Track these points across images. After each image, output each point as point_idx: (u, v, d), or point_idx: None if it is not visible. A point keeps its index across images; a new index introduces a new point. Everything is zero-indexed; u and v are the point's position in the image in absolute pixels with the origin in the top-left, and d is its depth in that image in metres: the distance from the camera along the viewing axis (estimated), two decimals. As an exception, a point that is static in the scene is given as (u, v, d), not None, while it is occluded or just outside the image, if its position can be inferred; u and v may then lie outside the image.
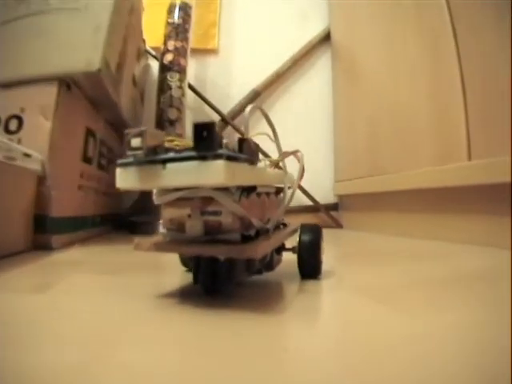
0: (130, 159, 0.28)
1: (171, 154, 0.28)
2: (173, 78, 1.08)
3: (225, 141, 0.28)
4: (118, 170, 0.30)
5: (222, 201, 0.30)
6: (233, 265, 0.32)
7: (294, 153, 0.40)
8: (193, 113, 1.33)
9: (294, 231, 0.42)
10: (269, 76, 1.37)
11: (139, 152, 0.27)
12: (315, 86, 1.46)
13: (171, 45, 1.12)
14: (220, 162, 0.26)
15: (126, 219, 1.02)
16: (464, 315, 0.28)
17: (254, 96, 1.35)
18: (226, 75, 1.41)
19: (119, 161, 0.30)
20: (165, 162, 0.27)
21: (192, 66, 1.31)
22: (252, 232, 0.32)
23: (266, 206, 0.37)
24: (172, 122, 1.06)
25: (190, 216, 0.31)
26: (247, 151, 0.30)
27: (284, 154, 0.39)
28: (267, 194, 0.38)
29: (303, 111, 1.44)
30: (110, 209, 1.03)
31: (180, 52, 1.12)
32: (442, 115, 0.81)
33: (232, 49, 1.43)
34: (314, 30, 1.47)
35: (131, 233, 0.97)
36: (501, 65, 0.64)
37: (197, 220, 0.31)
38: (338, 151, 1.38)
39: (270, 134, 0.39)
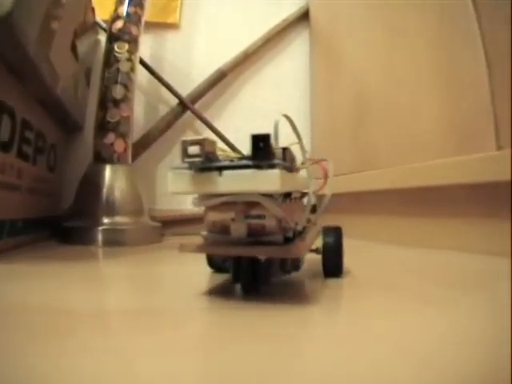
0: (185, 165, 0.31)
1: (227, 162, 0.31)
2: (121, 49, 0.90)
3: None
4: (170, 175, 0.32)
5: (267, 205, 0.32)
6: (271, 265, 0.36)
7: (321, 161, 0.45)
8: (146, 95, 1.17)
9: (319, 233, 0.45)
10: (237, 55, 1.22)
11: (197, 159, 0.30)
12: (290, 68, 1.33)
13: (122, 10, 0.94)
14: (276, 171, 0.29)
15: (60, 225, 0.82)
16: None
17: (220, 77, 1.20)
18: (187, 53, 1.25)
19: (173, 167, 0.32)
20: (221, 169, 0.31)
21: (148, 42, 1.17)
22: (290, 234, 0.35)
23: (295, 210, 0.39)
24: (117, 103, 0.87)
25: (233, 219, 0.34)
26: (288, 159, 0.34)
27: (312, 161, 0.42)
28: (295, 198, 0.41)
29: (275, 97, 1.29)
30: (41, 211, 0.83)
31: (132, 19, 0.93)
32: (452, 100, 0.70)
33: (196, 24, 1.27)
34: (291, 7, 1.33)
35: (63, 242, 0.79)
36: None
37: (241, 223, 0.34)
38: (316, 145, 1.24)
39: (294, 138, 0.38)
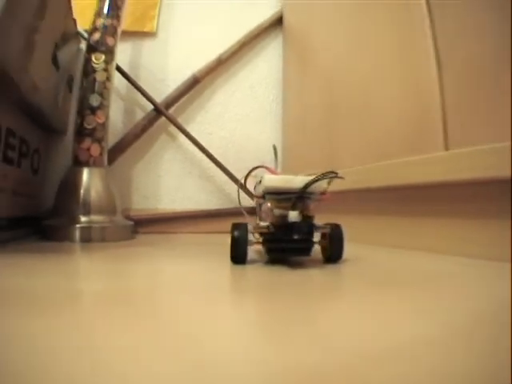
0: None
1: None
2: (98, 60, 0.96)
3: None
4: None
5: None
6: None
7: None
8: (123, 101, 1.22)
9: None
10: (211, 61, 1.27)
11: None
12: (263, 72, 1.38)
13: (100, 22, 1.00)
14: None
15: (40, 223, 0.89)
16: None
17: (193, 83, 1.25)
18: (163, 60, 1.30)
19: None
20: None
21: (126, 51, 1.23)
22: None
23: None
24: (93, 110, 0.93)
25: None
26: None
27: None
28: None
29: (249, 101, 1.35)
30: (23, 211, 0.89)
31: (108, 31, 1.00)
32: (413, 99, 0.75)
33: (172, 31, 1.32)
34: (265, 13, 1.37)
35: (44, 239, 0.85)
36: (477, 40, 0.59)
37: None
38: (288, 147, 1.29)
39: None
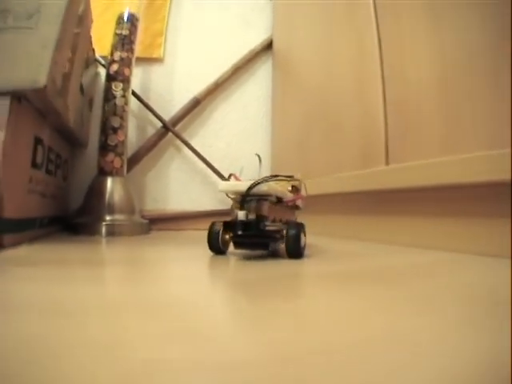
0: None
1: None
2: (117, 88, 1.15)
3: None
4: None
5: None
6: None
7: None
8: (137, 119, 1.40)
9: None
10: (209, 84, 1.44)
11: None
12: (255, 92, 1.55)
13: (117, 55, 1.18)
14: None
15: (71, 221, 1.08)
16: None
17: (195, 104, 1.42)
18: (169, 83, 1.47)
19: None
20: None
21: (138, 74, 1.38)
22: None
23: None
24: (115, 130, 1.12)
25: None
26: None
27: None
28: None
29: (242, 117, 1.53)
30: (57, 211, 1.08)
31: (125, 62, 1.18)
32: (365, 117, 0.88)
33: (177, 57, 1.49)
34: (257, 39, 1.55)
35: (75, 233, 1.03)
36: (422, 67, 0.71)
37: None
38: (276, 155, 1.46)
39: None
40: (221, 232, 0.61)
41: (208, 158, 1.41)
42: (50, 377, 0.17)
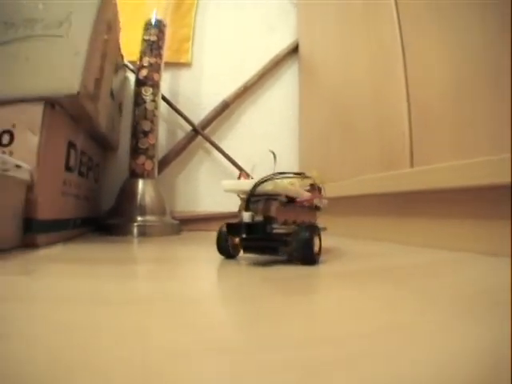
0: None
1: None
2: (147, 93, 1.18)
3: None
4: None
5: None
6: None
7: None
8: (166, 123, 1.43)
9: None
10: (238, 88, 1.47)
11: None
12: (281, 95, 1.57)
13: (146, 61, 1.21)
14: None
15: (103, 222, 1.11)
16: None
17: (224, 107, 1.44)
18: (197, 87, 1.50)
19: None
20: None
21: (166, 79, 1.41)
22: None
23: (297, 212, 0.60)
24: (146, 133, 1.15)
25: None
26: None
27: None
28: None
29: (269, 119, 1.54)
30: (90, 212, 1.11)
31: (154, 68, 1.21)
32: (386, 120, 0.88)
33: (204, 62, 1.52)
34: (282, 43, 1.56)
35: (107, 234, 1.06)
36: (446, 68, 0.70)
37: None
38: (302, 156, 1.48)
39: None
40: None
41: (236, 160, 1.43)
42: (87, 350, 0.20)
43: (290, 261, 0.54)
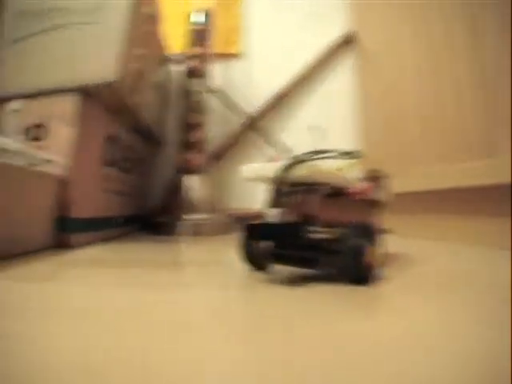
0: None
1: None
2: (195, 84, 1.12)
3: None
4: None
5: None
6: None
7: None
8: (217, 116, 1.37)
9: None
10: (291, 79, 1.40)
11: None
12: (335, 86, 1.49)
13: (194, 51, 1.16)
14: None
15: (150, 220, 1.06)
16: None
17: (278, 99, 1.38)
18: (248, 79, 1.44)
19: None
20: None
21: (217, 70, 1.36)
22: None
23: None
24: (195, 127, 1.10)
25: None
26: None
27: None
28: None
29: (324, 112, 1.45)
30: (135, 210, 1.07)
31: (202, 58, 1.16)
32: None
33: (254, 53, 1.47)
34: (333, 35, 1.49)
35: (154, 233, 1.01)
36: None
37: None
38: (366, 146, 1.38)
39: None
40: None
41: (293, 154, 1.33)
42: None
43: (336, 276, 0.39)
